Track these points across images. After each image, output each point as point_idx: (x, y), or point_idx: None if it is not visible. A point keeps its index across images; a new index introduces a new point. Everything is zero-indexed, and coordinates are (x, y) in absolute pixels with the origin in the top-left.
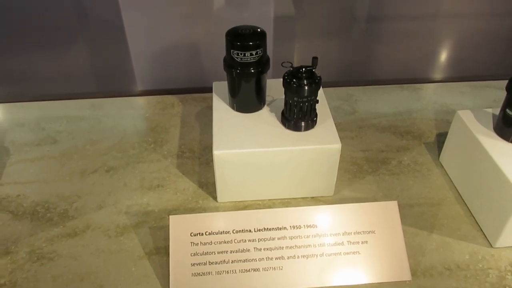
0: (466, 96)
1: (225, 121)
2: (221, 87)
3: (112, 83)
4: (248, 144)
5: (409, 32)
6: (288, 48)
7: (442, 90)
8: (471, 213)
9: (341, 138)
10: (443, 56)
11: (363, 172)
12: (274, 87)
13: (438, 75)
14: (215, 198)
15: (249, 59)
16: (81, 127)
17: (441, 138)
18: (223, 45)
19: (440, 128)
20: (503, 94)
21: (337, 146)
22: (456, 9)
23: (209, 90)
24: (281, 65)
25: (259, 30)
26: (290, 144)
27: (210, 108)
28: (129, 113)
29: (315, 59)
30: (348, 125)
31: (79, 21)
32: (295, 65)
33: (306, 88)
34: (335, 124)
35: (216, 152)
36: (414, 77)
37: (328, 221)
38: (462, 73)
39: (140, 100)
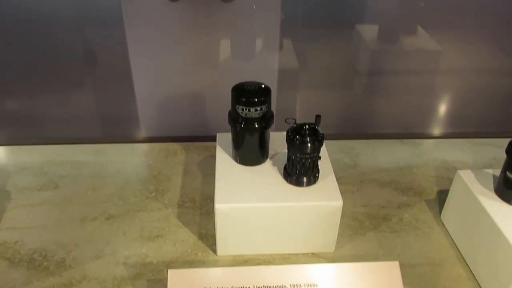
0: (466, 153)
1: (228, 174)
2: (224, 138)
3: (117, 128)
4: (250, 199)
5: (410, 87)
6: (291, 99)
7: (442, 146)
8: (474, 275)
9: (343, 192)
10: (443, 111)
11: (364, 229)
12: (277, 140)
13: (438, 131)
14: (214, 251)
15: (253, 114)
16: (83, 172)
17: (442, 196)
18: (228, 95)
19: (441, 185)
20: (503, 153)
21: (338, 203)
22: (457, 65)
23: (212, 139)
24: (285, 121)
25: (263, 86)
26: (292, 200)
27: (212, 157)
28: (132, 159)
29: (318, 117)
30: (350, 179)
31: (87, 65)
32: (298, 118)
33: (309, 145)
34: (336, 177)
35: (218, 206)
36: (415, 131)
37: (329, 280)
38: (463, 129)
39: (144, 147)
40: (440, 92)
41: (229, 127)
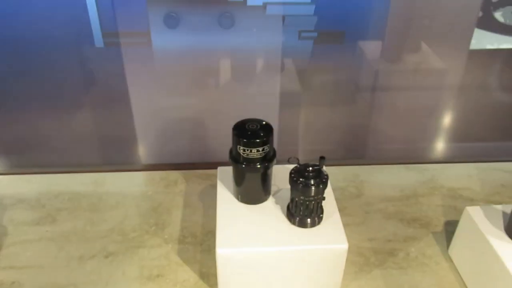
0: (473, 180)
1: (229, 213)
2: (226, 172)
3: (116, 154)
4: (253, 242)
5: (415, 108)
6: (294, 123)
7: (448, 173)
8: None
9: (348, 225)
10: (449, 133)
11: (369, 265)
12: (280, 175)
13: (444, 154)
14: None
15: (255, 155)
16: (82, 205)
17: (449, 228)
18: (228, 120)
19: (448, 216)
20: (510, 178)
21: (344, 246)
22: (463, 83)
23: (213, 166)
24: (288, 161)
25: (265, 124)
26: (296, 244)
27: (214, 186)
28: (132, 190)
29: (322, 159)
30: (354, 210)
31: (83, 90)
32: (300, 143)
33: (313, 188)
34: (341, 208)
35: (219, 251)
36: (420, 155)
37: None
38: (469, 151)
39: (143, 176)
40: (445, 113)
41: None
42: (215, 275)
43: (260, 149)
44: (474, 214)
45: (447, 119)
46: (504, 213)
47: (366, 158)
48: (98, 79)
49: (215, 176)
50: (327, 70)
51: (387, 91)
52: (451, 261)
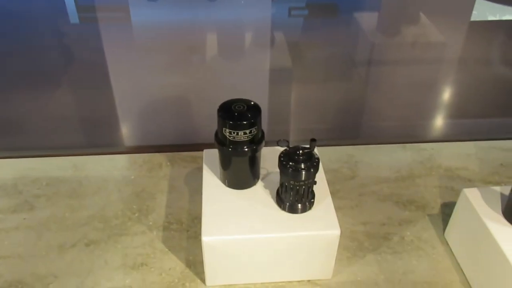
0: (471, 159)
1: (215, 199)
2: (212, 156)
3: (96, 136)
4: (240, 230)
5: (413, 83)
6: (284, 101)
7: (446, 152)
8: None
9: (341, 208)
10: (448, 111)
11: (363, 250)
12: (270, 157)
13: (442, 132)
14: (203, 280)
15: (242, 138)
16: (61, 191)
17: (446, 210)
18: (215, 99)
19: (445, 197)
20: (510, 157)
21: (336, 232)
22: (463, 57)
23: (200, 147)
24: (277, 143)
25: (253, 105)
26: (286, 230)
27: (200, 169)
28: (113, 175)
29: (313, 141)
30: (348, 192)
31: (61, 70)
32: (291, 123)
33: (304, 172)
34: (334, 190)
35: (205, 239)
36: (418, 134)
37: None
38: (468, 128)
39: (126, 159)
40: (443, 88)
41: None
42: (202, 263)
43: (248, 131)
44: (471, 196)
45: (446, 95)
46: (502, 195)
47: (360, 137)
48: (75, 57)
49: (201, 158)
50: (319, 44)
51: (383, 66)
52: (447, 244)
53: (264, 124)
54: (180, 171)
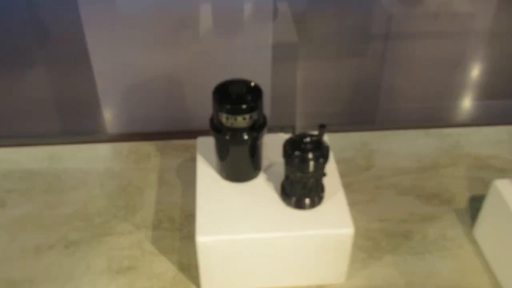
0: (504, 146)
1: (212, 194)
2: (207, 144)
3: (76, 124)
4: (240, 229)
5: (436, 60)
6: (289, 81)
7: (475, 137)
8: None
9: (354, 204)
10: (476, 92)
11: (380, 251)
12: (273, 146)
13: (470, 116)
14: (198, 286)
15: (241, 124)
16: (36, 185)
17: (474, 204)
18: (210, 80)
19: (473, 190)
20: None
21: (349, 230)
22: (494, 29)
23: (193, 134)
24: (281, 130)
25: (253, 86)
26: (292, 229)
27: (193, 160)
28: (95, 166)
29: (322, 127)
30: (362, 185)
31: (35, 49)
32: (298, 106)
33: (312, 163)
34: (347, 183)
35: (200, 239)
36: (442, 117)
37: None
38: (500, 110)
39: (109, 148)
40: (471, 66)
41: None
42: (196, 266)
43: (247, 116)
44: (504, 188)
45: (474, 73)
46: None
47: (377, 122)
48: (52, 34)
49: (195, 147)
50: (329, 16)
51: (403, 40)
52: (476, 243)
53: (266, 108)
54: (171, 162)
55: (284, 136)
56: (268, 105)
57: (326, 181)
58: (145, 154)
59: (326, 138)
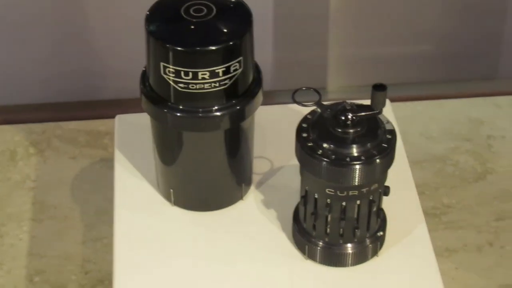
0: None
1: (146, 239)
2: (136, 129)
3: None
4: None
5: None
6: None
7: None
8: None
9: (455, 250)
10: None
11: None
12: (275, 132)
13: None
14: None
15: (207, 86)
16: None
17: None
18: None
19: None
20: None
21: None
22: None
23: (105, 109)
24: (292, 97)
25: (233, 1)
26: None
27: (107, 164)
28: None
29: (380, 90)
30: (471, 212)
31: None
32: (326, 89)
33: (358, 169)
34: (435, 206)
35: None
36: None
37: None
38: None
39: None
40: None
41: (136, 89)
42: None
43: (220, 70)
44: None
45: None
46: None
47: (500, 78)
48: None
49: (112, 135)
50: None
51: None
52: None
53: (262, 53)
54: (62, 167)
55: (300, 110)
56: (268, 44)
57: (388, 203)
58: (10, 151)
59: (390, 112)
